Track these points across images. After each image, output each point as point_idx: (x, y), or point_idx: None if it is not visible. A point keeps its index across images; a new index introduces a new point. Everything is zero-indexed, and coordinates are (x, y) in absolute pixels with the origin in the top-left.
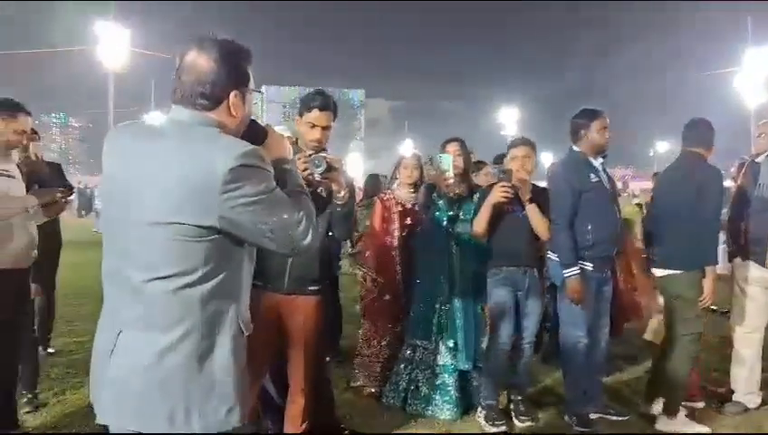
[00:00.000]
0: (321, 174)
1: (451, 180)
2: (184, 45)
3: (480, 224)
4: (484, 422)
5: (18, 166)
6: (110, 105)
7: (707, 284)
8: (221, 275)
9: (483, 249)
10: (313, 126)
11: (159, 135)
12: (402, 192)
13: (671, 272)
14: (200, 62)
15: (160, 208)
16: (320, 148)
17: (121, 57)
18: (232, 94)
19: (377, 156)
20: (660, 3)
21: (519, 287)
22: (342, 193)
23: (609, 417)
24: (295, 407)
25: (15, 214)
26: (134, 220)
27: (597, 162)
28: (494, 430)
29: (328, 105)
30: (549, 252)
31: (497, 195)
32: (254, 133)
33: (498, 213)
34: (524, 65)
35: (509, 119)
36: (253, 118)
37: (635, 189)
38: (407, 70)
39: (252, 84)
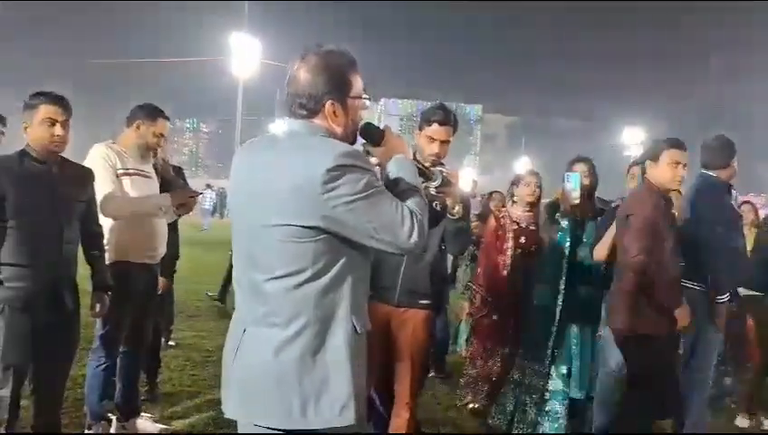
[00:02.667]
0: (436, 187)
1: (577, 200)
2: (292, 59)
3: (603, 250)
4: None
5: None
6: (238, 113)
7: None
8: (330, 274)
9: (601, 274)
10: (432, 140)
11: (275, 145)
12: (518, 210)
13: None
14: (299, 74)
15: (273, 212)
16: (437, 162)
17: (252, 67)
18: (328, 103)
19: (491, 172)
20: None
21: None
22: (457, 208)
23: None
24: (400, 420)
25: (152, 212)
26: (254, 225)
27: (733, 190)
28: None
29: (448, 120)
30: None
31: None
32: (371, 135)
33: None
34: (648, 83)
35: (632, 139)
36: (368, 121)
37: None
38: (525, 85)
39: (355, 91)
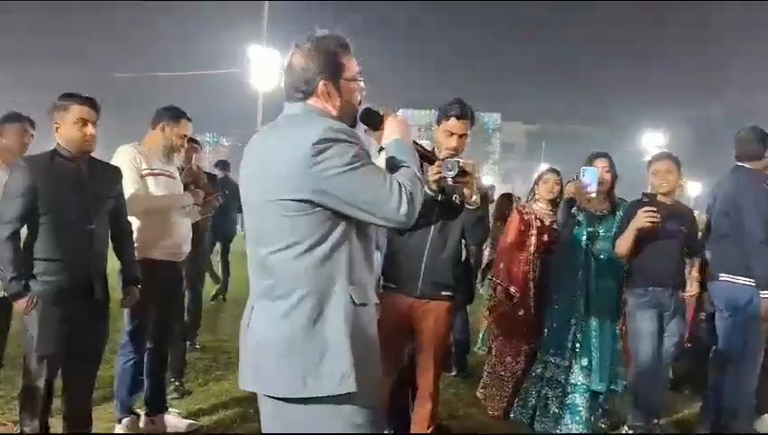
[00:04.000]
0: (453, 178)
1: (593, 195)
2: (289, 48)
3: (624, 246)
4: None
5: (178, 169)
6: (258, 126)
7: None
8: (325, 247)
9: (621, 268)
10: (450, 134)
11: (274, 129)
12: (541, 207)
13: None
14: (294, 59)
15: (271, 188)
16: (456, 156)
17: (271, 79)
18: (320, 84)
19: (511, 180)
20: None
21: (665, 309)
22: (475, 198)
23: None
24: (423, 410)
25: (174, 208)
26: (257, 203)
27: None
28: None
29: (465, 114)
30: (722, 274)
31: (642, 220)
32: (371, 120)
33: (646, 231)
34: (672, 87)
35: (652, 144)
36: (369, 106)
37: None
38: (544, 93)
39: (348, 73)
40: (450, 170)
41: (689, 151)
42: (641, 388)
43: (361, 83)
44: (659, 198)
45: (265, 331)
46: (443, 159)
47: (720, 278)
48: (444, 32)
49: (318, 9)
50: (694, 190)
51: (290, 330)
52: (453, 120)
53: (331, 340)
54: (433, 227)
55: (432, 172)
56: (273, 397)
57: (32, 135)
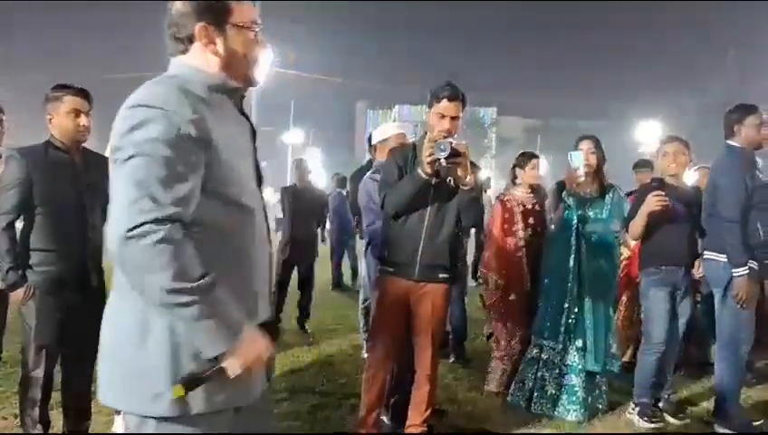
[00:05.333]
0: (445, 159)
1: (581, 178)
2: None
3: (636, 230)
4: (638, 419)
5: None
6: (253, 120)
7: None
8: None
9: (613, 249)
10: (443, 116)
11: None
12: (522, 192)
13: None
14: (172, 6)
15: None
16: (449, 138)
17: (265, 77)
18: (198, 26)
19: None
20: None
21: (678, 287)
22: (468, 178)
23: None
24: (421, 393)
25: None
26: None
27: (760, 160)
28: (649, 426)
29: (457, 95)
30: (707, 252)
31: (652, 204)
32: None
33: (655, 214)
34: (666, 77)
35: (647, 134)
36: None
37: None
38: (540, 87)
39: (237, 18)
40: (443, 151)
41: (686, 138)
42: (650, 365)
43: (257, 34)
44: (668, 180)
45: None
46: (435, 141)
47: (705, 256)
48: (439, 27)
49: (308, 7)
50: (690, 177)
51: (116, 335)
52: (445, 102)
53: (152, 352)
54: (429, 209)
55: (425, 154)
56: None
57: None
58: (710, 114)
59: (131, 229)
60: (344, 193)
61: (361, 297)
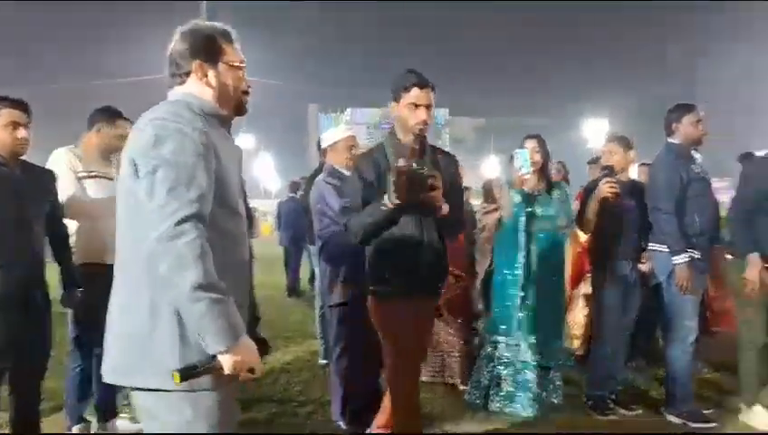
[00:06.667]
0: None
1: (527, 176)
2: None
3: (589, 220)
4: (593, 412)
5: None
6: None
7: None
8: None
9: (561, 246)
10: (416, 106)
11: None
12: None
13: None
14: (173, 45)
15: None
16: (426, 130)
17: None
18: (195, 63)
19: (463, 173)
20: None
21: (627, 281)
22: (444, 208)
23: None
24: None
25: (114, 211)
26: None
27: (696, 155)
28: (604, 419)
29: (426, 82)
30: (650, 244)
31: (604, 190)
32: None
33: (606, 206)
34: (615, 75)
35: (595, 132)
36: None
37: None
38: (490, 87)
39: (228, 58)
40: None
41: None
42: (603, 358)
43: (244, 73)
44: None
45: None
46: (406, 168)
47: (649, 248)
48: (390, 29)
49: (259, 7)
50: (635, 173)
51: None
52: (415, 91)
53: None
54: (420, 218)
55: (393, 191)
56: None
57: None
58: (655, 113)
59: (169, 228)
60: (297, 198)
61: (318, 303)
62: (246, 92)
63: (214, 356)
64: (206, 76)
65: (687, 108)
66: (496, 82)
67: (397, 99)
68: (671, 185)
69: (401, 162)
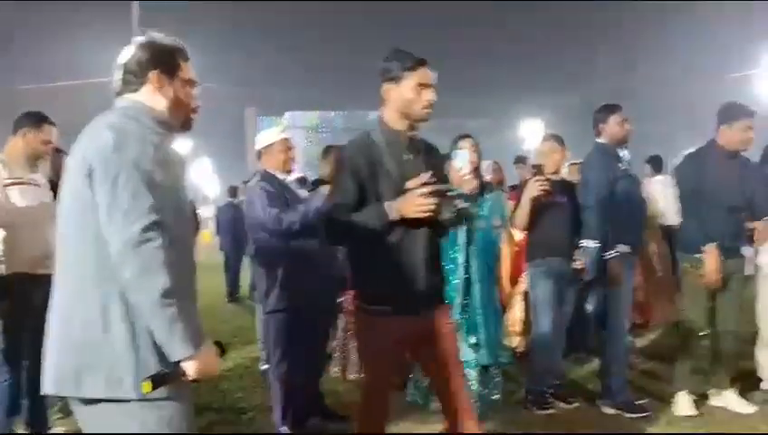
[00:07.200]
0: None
1: (468, 176)
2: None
3: (522, 218)
4: (532, 407)
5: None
6: None
7: None
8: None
9: (496, 246)
10: (424, 86)
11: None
12: None
13: None
14: (130, 54)
15: None
16: (431, 114)
17: None
18: (153, 73)
19: None
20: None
21: (562, 277)
22: (448, 215)
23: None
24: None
25: (41, 218)
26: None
27: (622, 153)
28: (543, 413)
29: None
30: (583, 241)
31: (534, 189)
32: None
33: (539, 205)
34: (552, 77)
35: (531, 132)
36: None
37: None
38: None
39: (185, 75)
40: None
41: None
42: (542, 354)
43: (196, 91)
44: (547, 175)
45: None
46: (435, 191)
47: (581, 244)
48: (327, 30)
49: (190, 9)
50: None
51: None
52: (423, 70)
53: None
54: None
55: (414, 203)
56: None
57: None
58: (587, 113)
59: (136, 234)
60: (236, 203)
61: (258, 309)
62: (195, 110)
63: (176, 362)
64: (162, 87)
65: (612, 108)
66: (440, 83)
67: (396, 80)
68: (599, 183)
69: (424, 178)
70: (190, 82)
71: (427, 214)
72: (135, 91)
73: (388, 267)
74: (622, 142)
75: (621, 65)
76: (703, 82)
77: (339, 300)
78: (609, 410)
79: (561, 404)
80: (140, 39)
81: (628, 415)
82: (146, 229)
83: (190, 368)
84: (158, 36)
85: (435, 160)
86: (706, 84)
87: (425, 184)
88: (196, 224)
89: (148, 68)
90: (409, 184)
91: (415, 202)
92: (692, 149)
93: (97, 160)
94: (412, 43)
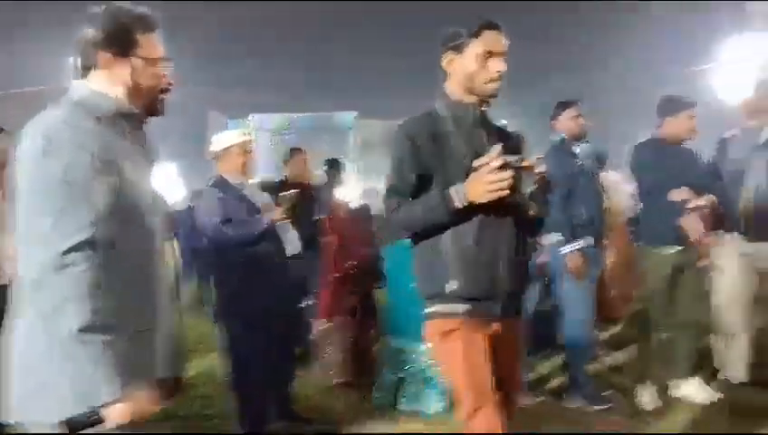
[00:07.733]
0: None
1: None
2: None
3: None
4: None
5: None
6: None
7: None
8: None
9: None
10: (493, 54)
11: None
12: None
13: None
14: (82, 34)
15: None
16: (498, 89)
17: None
18: (102, 56)
19: (372, 176)
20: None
21: None
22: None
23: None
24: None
25: None
26: None
27: (577, 148)
28: None
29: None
30: (544, 235)
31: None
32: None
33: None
34: (517, 74)
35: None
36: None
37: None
38: (402, 89)
39: (144, 52)
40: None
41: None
42: None
43: (163, 70)
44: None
45: None
46: (505, 163)
47: (543, 240)
48: (292, 31)
49: (156, 7)
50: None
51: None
52: (489, 34)
53: None
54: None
55: (484, 186)
56: None
57: None
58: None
59: (55, 258)
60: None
61: None
62: (165, 91)
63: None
64: (115, 70)
65: (567, 104)
66: (408, 82)
67: (458, 49)
68: (556, 179)
69: (495, 151)
70: (153, 61)
71: (501, 192)
72: (84, 77)
73: (464, 267)
74: (578, 138)
75: (584, 65)
76: (661, 77)
77: (301, 305)
78: (574, 403)
79: (527, 399)
80: (93, 11)
81: (593, 407)
82: (68, 251)
83: (114, 412)
84: (112, 6)
85: (512, 142)
86: (665, 80)
87: (494, 161)
88: (170, 225)
89: (97, 49)
90: (476, 163)
91: (484, 180)
92: (636, 144)
93: (21, 169)
94: (382, 42)
